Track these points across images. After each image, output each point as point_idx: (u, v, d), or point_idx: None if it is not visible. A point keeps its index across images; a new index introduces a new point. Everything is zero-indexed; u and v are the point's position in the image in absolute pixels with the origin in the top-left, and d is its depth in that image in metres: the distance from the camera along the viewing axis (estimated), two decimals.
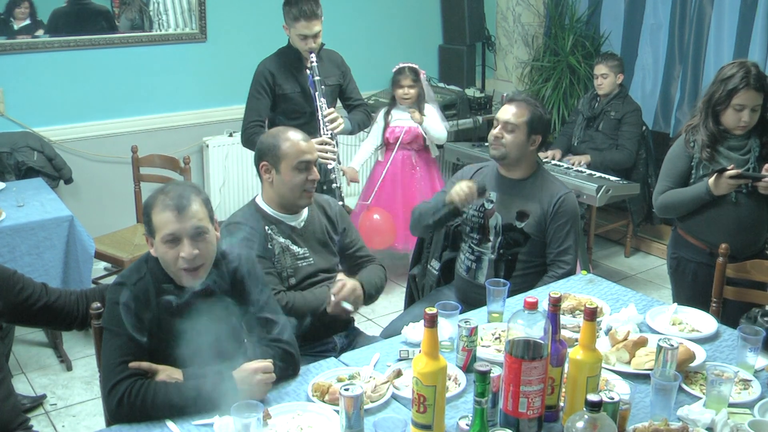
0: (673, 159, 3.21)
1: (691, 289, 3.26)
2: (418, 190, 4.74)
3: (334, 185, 3.67)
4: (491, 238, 3.10)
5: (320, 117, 3.73)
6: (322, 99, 3.75)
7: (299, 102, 3.84)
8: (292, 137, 2.72)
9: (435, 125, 4.70)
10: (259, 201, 2.80)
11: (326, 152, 3.65)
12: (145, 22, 4.86)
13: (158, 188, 2.19)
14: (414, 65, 4.74)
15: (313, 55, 3.76)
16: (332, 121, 3.74)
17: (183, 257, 2.10)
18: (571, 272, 3.05)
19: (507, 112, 3.02)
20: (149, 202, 2.16)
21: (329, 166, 3.66)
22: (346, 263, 2.96)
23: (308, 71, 3.82)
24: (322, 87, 3.77)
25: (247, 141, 3.82)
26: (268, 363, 2.15)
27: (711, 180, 3.01)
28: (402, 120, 4.72)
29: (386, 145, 4.78)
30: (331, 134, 3.73)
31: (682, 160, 3.17)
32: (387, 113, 4.74)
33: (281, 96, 3.83)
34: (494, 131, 3.05)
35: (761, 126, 3.08)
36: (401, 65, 4.75)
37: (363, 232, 4.44)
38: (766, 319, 2.27)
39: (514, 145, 3.01)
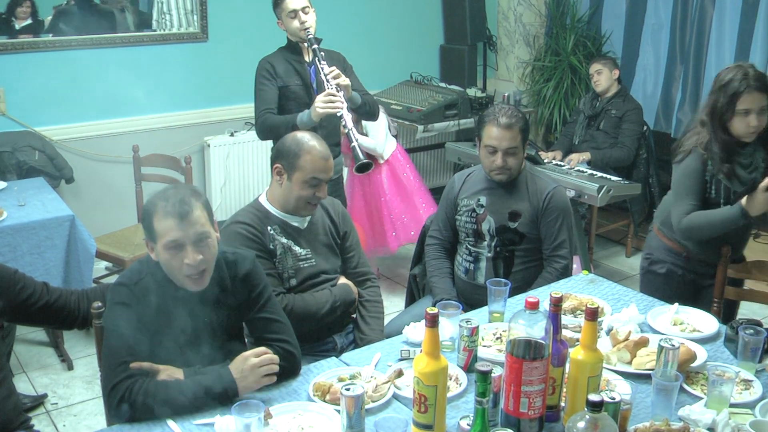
0: (692, 176, 2.94)
1: (660, 291, 3.08)
2: (376, 192, 4.75)
3: (346, 129, 3.56)
4: (486, 240, 3.10)
5: (323, 76, 3.63)
6: (323, 62, 3.64)
7: (301, 95, 3.78)
8: (314, 152, 2.68)
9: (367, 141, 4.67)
10: (263, 200, 2.79)
11: (334, 102, 3.53)
12: (128, 20, 4.81)
13: (157, 193, 2.16)
14: None
15: (309, 30, 3.67)
16: (336, 77, 3.61)
17: (188, 264, 2.10)
18: (569, 266, 3.06)
19: (504, 140, 2.97)
20: (149, 208, 2.13)
21: (338, 114, 3.56)
22: (340, 269, 2.94)
23: (305, 43, 3.72)
24: (322, 53, 3.66)
25: (262, 130, 3.73)
26: (260, 349, 2.14)
27: (744, 201, 2.82)
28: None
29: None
30: (336, 87, 3.59)
31: (701, 175, 2.93)
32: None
33: (283, 89, 3.77)
34: (497, 162, 3.00)
35: (767, 134, 2.91)
36: None
37: None
38: (749, 332, 2.26)
39: (518, 164, 3.04)
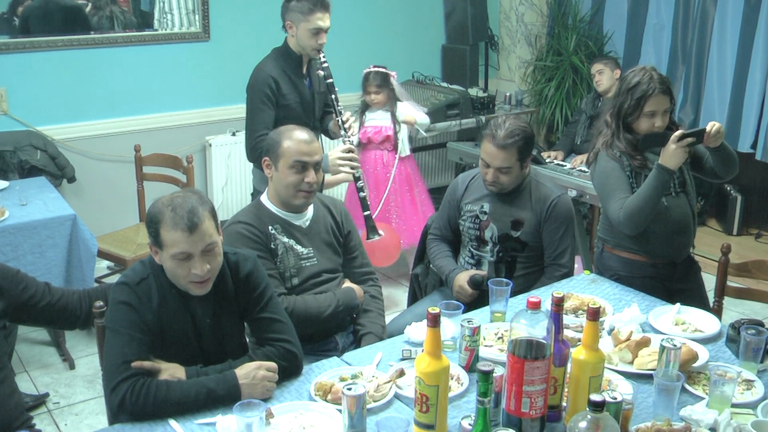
0: (613, 173, 2.95)
1: None
2: (392, 189, 4.75)
3: (362, 194, 3.55)
4: (489, 245, 3.10)
5: (340, 122, 3.60)
6: (340, 105, 3.60)
7: (298, 113, 3.66)
8: (295, 136, 2.70)
9: (417, 116, 4.79)
10: (264, 199, 2.80)
11: (353, 160, 3.48)
12: (116, 25, 4.77)
13: (163, 200, 2.14)
14: (382, 69, 4.68)
15: (322, 54, 3.59)
16: (349, 128, 3.62)
17: (195, 273, 2.10)
18: (569, 274, 3.04)
19: (497, 159, 2.93)
20: (157, 217, 2.11)
21: (356, 174, 3.50)
22: (343, 269, 2.93)
23: (320, 72, 3.63)
24: (336, 89, 3.60)
25: (257, 157, 3.48)
26: (272, 363, 2.16)
27: (660, 159, 2.84)
28: (375, 120, 4.70)
29: (360, 145, 4.74)
30: (351, 141, 3.59)
31: (620, 171, 2.95)
32: (361, 114, 4.72)
33: (283, 106, 3.63)
34: (488, 176, 2.99)
35: (672, 129, 2.92)
36: (368, 70, 4.70)
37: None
38: (750, 332, 2.25)
39: (511, 180, 3.00)
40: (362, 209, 3.58)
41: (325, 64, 3.61)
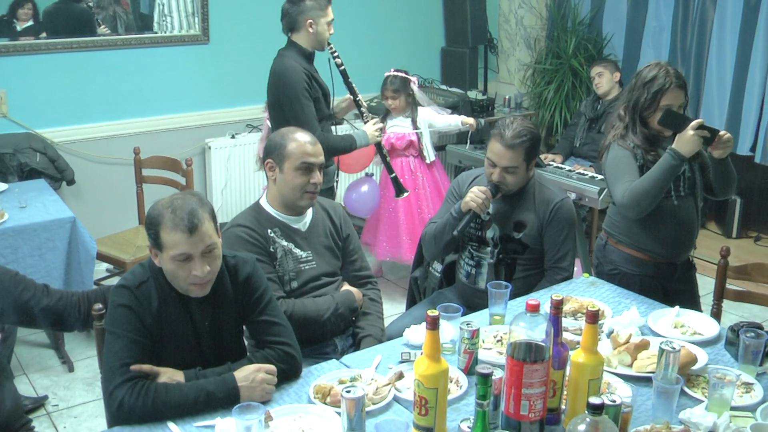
0: (623, 159, 2.93)
1: None
2: (423, 195, 4.69)
3: (387, 159, 4.15)
4: (489, 246, 3.09)
5: (360, 102, 3.94)
6: (359, 96, 3.91)
7: (322, 105, 3.77)
8: (299, 138, 2.71)
9: (444, 120, 4.75)
10: (263, 202, 2.80)
11: (381, 132, 4.01)
12: (119, 25, 4.78)
13: (163, 202, 2.14)
14: (400, 73, 4.64)
15: (331, 44, 3.81)
16: (363, 108, 4.00)
17: (196, 275, 2.10)
18: (569, 278, 3.04)
19: (504, 158, 2.92)
20: (157, 219, 2.11)
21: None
22: (342, 272, 2.93)
23: (337, 60, 3.86)
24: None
25: (328, 150, 3.50)
26: (271, 366, 2.16)
27: (674, 143, 2.80)
28: (397, 127, 4.65)
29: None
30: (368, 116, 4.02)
31: (631, 159, 2.92)
32: (382, 120, 4.61)
33: (314, 99, 3.73)
34: (494, 176, 2.97)
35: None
36: (387, 74, 4.66)
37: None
38: (750, 335, 2.25)
39: (517, 181, 2.99)
40: (388, 172, 4.14)
41: (336, 53, 3.84)
